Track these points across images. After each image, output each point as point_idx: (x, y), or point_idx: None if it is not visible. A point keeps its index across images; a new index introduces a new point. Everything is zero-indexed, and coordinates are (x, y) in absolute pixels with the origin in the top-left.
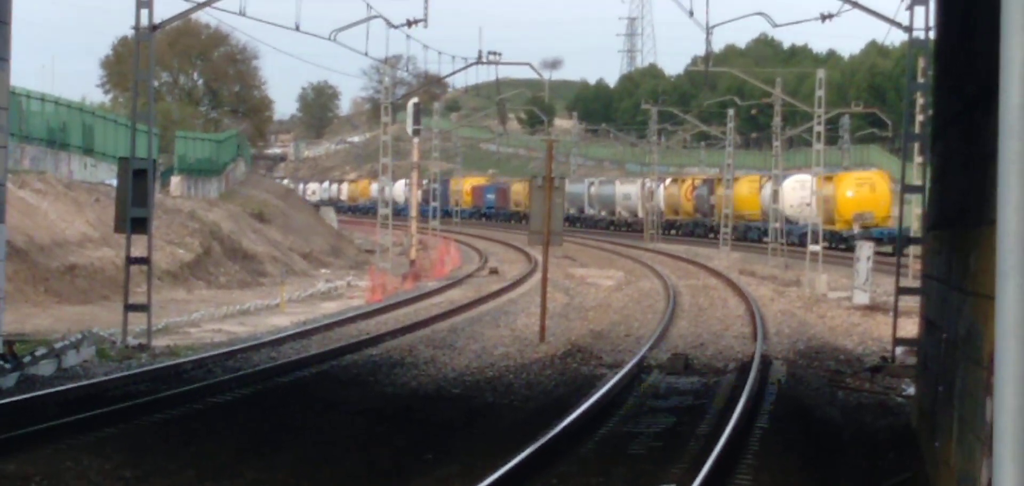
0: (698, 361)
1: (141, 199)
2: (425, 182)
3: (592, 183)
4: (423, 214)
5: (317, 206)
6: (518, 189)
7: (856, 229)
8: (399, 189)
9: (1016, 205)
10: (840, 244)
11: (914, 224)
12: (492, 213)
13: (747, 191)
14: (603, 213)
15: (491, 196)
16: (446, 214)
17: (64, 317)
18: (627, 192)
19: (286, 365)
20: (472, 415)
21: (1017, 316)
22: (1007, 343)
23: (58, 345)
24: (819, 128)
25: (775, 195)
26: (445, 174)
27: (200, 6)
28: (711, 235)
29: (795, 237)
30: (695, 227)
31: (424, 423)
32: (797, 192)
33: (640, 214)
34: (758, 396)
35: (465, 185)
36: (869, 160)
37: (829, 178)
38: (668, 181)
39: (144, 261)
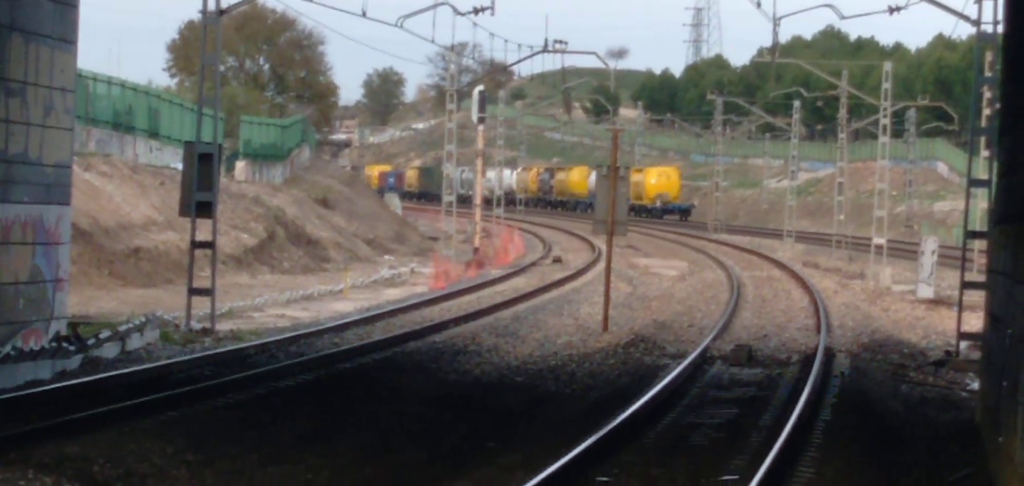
0: (761, 353)
1: (206, 183)
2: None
3: (463, 170)
4: None
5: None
6: (411, 174)
7: (658, 204)
8: None
9: None
10: (643, 214)
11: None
12: (393, 191)
13: (578, 177)
14: (470, 192)
15: (392, 179)
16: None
17: (128, 300)
18: (489, 177)
19: (349, 351)
20: (535, 403)
21: None
22: None
23: (122, 328)
24: (885, 121)
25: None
26: (508, 161)
27: None
28: (548, 207)
29: None
30: (537, 202)
31: (487, 411)
32: None
33: (499, 192)
34: (821, 388)
35: (374, 171)
36: (934, 154)
37: (640, 170)
38: (520, 169)
39: (209, 245)
